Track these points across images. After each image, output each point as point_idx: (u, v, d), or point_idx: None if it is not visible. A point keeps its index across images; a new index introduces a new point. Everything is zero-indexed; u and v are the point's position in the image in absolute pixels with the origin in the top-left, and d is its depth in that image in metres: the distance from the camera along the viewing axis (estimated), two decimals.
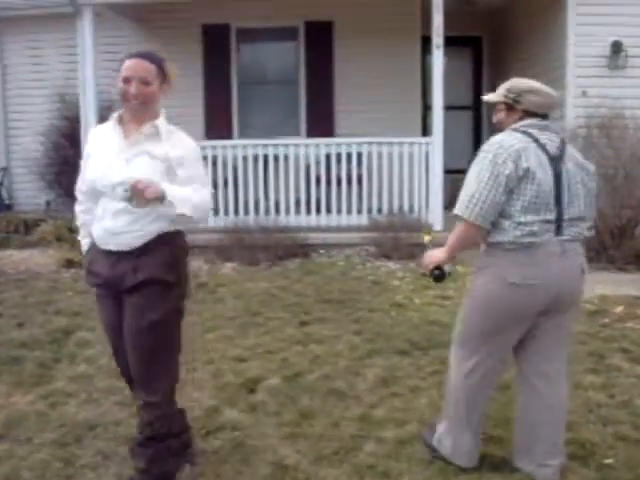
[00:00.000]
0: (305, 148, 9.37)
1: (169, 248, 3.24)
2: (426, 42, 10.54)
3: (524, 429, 3.51)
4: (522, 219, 3.17)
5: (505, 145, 3.20)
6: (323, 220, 9.38)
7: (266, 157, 9.35)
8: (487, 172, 3.17)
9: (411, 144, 9.17)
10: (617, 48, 8.88)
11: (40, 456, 3.70)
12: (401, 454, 3.69)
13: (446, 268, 3.47)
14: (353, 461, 3.64)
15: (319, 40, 11.19)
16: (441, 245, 3.48)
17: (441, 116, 8.80)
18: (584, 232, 3.31)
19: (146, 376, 3.26)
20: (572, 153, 3.33)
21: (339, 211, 9.39)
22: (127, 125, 3.25)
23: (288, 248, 8.61)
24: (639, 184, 8.16)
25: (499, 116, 3.48)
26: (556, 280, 3.21)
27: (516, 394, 3.62)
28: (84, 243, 3.46)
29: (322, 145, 9.37)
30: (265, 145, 9.39)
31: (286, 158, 9.35)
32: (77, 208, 3.49)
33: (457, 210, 3.29)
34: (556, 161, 3.22)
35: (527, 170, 3.14)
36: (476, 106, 12.07)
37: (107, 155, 3.20)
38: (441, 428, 3.64)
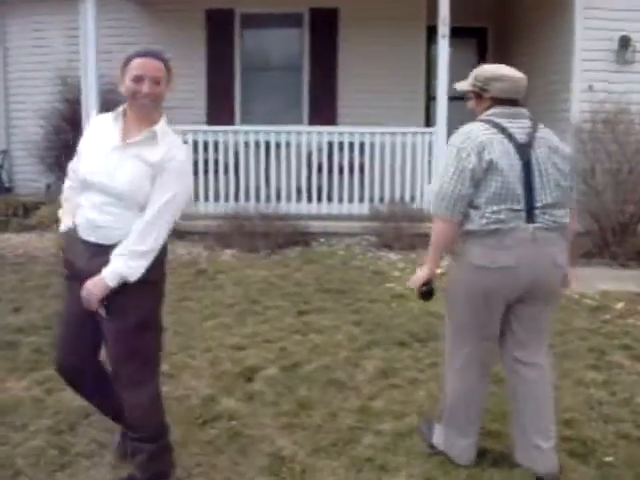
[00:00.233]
0: (307, 135, 9.31)
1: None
2: (431, 32, 10.47)
3: (514, 418, 3.52)
4: (488, 209, 3.18)
5: (470, 138, 3.22)
6: (324, 208, 9.33)
7: (268, 144, 9.28)
8: (452, 167, 3.21)
9: (414, 134, 9.12)
10: (625, 43, 8.80)
11: (35, 443, 3.65)
12: (399, 447, 3.66)
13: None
14: (351, 453, 3.61)
15: (323, 27, 11.11)
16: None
17: (445, 106, 8.74)
18: (561, 220, 3.28)
19: (130, 377, 3.20)
20: (544, 137, 3.31)
21: (340, 200, 9.34)
22: (128, 123, 3.19)
23: (288, 236, 8.56)
24: None
25: (470, 104, 3.50)
26: (529, 267, 3.20)
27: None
28: (65, 220, 3.38)
29: (325, 133, 9.30)
30: (267, 132, 9.32)
31: (288, 145, 9.30)
32: (66, 184, 3.46)
33: (431, 208, 3.37)
34: (524, 148, 3.22)
35: (490, 162, 3.15)
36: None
37: (100, 151, 3.13)
38: (439, 425, 3.62)
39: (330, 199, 9.34)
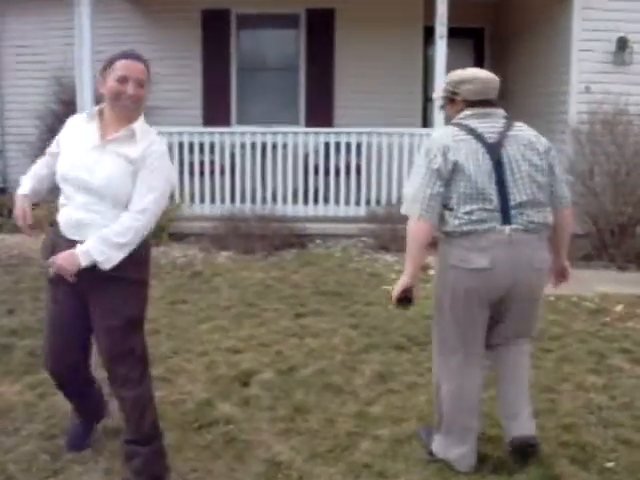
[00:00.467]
0: (304, 137, 9.26)
1: (136, 248, 3.17)
2: (428, 32, 10.44)
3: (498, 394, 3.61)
4: (460, 210, 3.23)
5: (435, 141, 3.30)
6: (321, 210, 9.29)
7: (264, 145, 9.24)
8: (422, 168, 3.29)
9: (411, 135, 9.08)
10: (622, 44, 8.75)
11: (27, 448, 3.60)
12: (398, 453, 3.61)
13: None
14: (348, 459, 3.56)
15: (320, 28, 11.07)
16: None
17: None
18: (539, 221, 3.29)
19: (126, 376, 3.25)
20: (517, 135, 3.33)
21: (337, 201, 9.29)
22: (106, 123, 3.22)
23: (285, 238, 8.51)
24: None
25: (446, 110, 3.60)
26: (506, 269, 3.23)
27: None
28: (26, 183, 3.35)
29: (321, 134, 9.26)
30: (263, 133, 9.28)
31: (284, 146, 9.26)
32: (38, 164, 3.43)
33: (402, 209, 3.40)
34: (494, 148, 3.26)
35: (455, 163, 3.21)
36: None
37: (79, 151, 3.18)
38: (437, 433, 3.57)
39: (327, 201, 9.30)
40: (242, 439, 3.74)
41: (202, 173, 9.25)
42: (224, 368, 4.70)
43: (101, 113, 3.25)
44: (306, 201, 9.29)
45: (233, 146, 9.29)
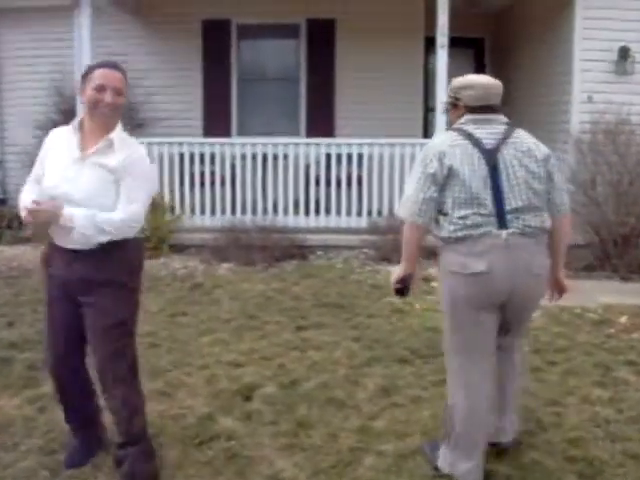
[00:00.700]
0: (305, 148, 9.22)
1: (128, 254, 3.37)
2: (429, 43, 10.42)
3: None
4: (455, 214, 3.26)
5: (432, 147, 3.36)
6: (322, 221, 9.24)
7: (265, 156, 9.19)
8: (418, 172, 3.34)
9: (413, 145, 9.03)
10: (624, 53, 8.72)
11: (26, 464, 3.55)
12: (402, 469, 3.55)
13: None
14: (352, 475, 3.51)
15: (321, 38, 11.04)
16: None
17: (444, 117, 8.65)
18: (536, 225, 3.31)
19: (117, 376, 3.36)
20: (516, 141, 3.36)
21: (338, 212, 9.24)
22: (86, 134, 3.31)
23: (285, 249, 8.46)
24: None
25: (449, 115, 3.63)
26: (504, 273, 3.23)
27: None
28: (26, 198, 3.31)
29: (322, 145, 9.22)
30: (264, 144, 9.24)
31: (285, 157, 9.21)
32: (26, 191, 3.42)
33: (397, 211, 3.52)
34: (491, 153, 3.28)
35: (450, 168, 3.25)
36: None
37: (61, 165, 3.27)
38: (443, 447, 3.52)
39: (328, 212, 9.25)
40: (244, 455, 3.69)
41: (202, 184, 9.21)
42: (225, 382, 4.65)
43: (81, 124, 3.32)
44: (307, 212, 9.24)
45: (233, 157, 9.25)
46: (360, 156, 9.12)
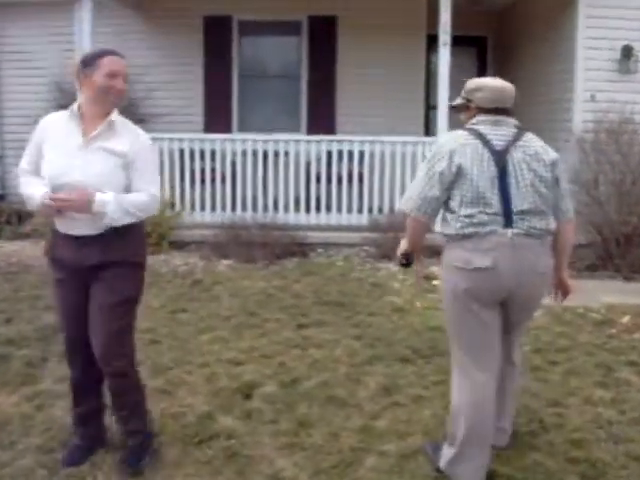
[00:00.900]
0: (306, 145, 9.18)
1: (133, 233, 3.43)
2: (430, 40, 10.38)
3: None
4: (462, 212, 3.29)
5: (443, 145, 3.39)
6: (322, 219, 9.20)
7: (266, 152, 9.16)
8: (425, 170, 3.39)
9: (414, 143, 9.00)
10: (627, 52, 8.68)
11: (24, 462, 3.52)
12: (404, 469, 3.53)
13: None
14: (353, 476, 3.48)
15: (322, 35, 10.99)
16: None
17: (446, 115, 8.62)
18: (542, 227, 3.34)
19: (123, 350, 3.45)
20: (525, 145, 3.38)
21: (339, 210, 9.21)
22: (86, 120, 3.32)
23: (286, 246, 8.43)
24: None
25: (461, 116, 3.66)
26: (508, 270, 3.26)
27: None
28: (40, 190, 3.29)
29: (323, 142, 9.17)
30: (265, 140, 9.20)
31: (286, 154, 9.17)
32: (24, 181, 3.44)
33: (400, 204, 3.62)
34: (501, 155, 3.31)
35: (459, 167, 3.27)
36: None
37: (66, 151, 3.27)
38: (446, 447, 3.49)
39: (329, 209, 9.21)
40: (244, 454, 3.66)
41: (203, 180, 9.18)
42: (225, 380, 4.62)
43: (81, 112, 3.32)
44: (308, 209, 9.21)
45: (234, 153, 9.21)
46: (361, 153, 9.09)
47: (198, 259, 8.24)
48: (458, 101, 3.62)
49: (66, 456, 3.54)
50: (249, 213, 9.07)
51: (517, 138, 3.39)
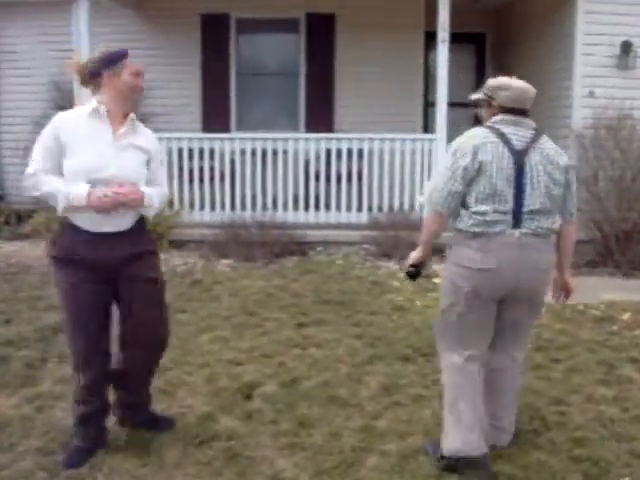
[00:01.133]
0: (305, 143, 9.15)
1: (146, 225, 3.66)
2: (429, 37, 10.35)
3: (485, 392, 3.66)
4: (476, 209, 3.40)
5: (466, 140, 3.46)
6: (322, 217, 9.17)
7: (264, 151, 9.13)
8: (449, 164, 3.46)
9: (414, 141, 8.98)
10: (627, 48, 8.66)
11: (23, 465, 3.50)
12: (405, 469, 3.51)
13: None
14: (355, 476, 3.46)
15: (320, 33, 10.97)
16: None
17: (445, 112, 8.61)
18: (548, 226, 3.47)
19: (163, 337, 3.70)
20: (542, 147, 3.47)
21: (338, 208, 9.18)
22: (112, 118, 3.40)
23: (285, 245, 8.41)
24: None
25: (480, 112, 3.73)
26: (511, 270, 3.39)
27: None
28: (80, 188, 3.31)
29: (322, 140, 9.15)
30: (264, 139, 9.17)
31: (285, 152, 9.15)
32: (44, 180, 3.37)
33: (421, 198, 3.57)
34: (520, 154, 3.40)
35: (481, 163, 3.36)
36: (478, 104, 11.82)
37: (98, 148, 3.33)
38: (443, 435, 3.57)
39: (328, 207, 9.19)
40: (244, 455, 3.64)
41: (202, 180, 9.16)
42: (225, 380, 4.60)
43: (107, 110, 3.41)
44: (307, 208, 9.18)
45: (233, 152, 9.19)
46: (360, 151, 9.06)
47: (197, 258, 8.22)
48: (479, 96, 3.67)
49: (66, 459, 3.52)
50: (248, 212, 9.04)
51: (535, 140, 3.48)
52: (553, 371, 4.87)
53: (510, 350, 3.68)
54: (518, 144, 3.43)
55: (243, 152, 9.17)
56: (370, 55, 10.68)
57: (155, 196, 3.51)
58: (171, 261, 8.05)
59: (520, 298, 3.50)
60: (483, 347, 3.59)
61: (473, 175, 3.39)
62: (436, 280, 6.81)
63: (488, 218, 3.37)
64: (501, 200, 3.37)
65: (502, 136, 3.43)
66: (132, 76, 3.40)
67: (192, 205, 9.19)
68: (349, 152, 9.07)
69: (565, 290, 3.81)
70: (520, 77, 3.65)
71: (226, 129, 10.56)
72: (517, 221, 3.39)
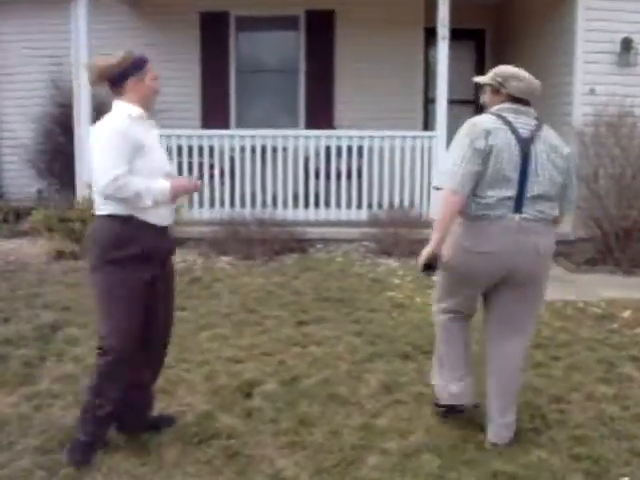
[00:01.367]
0: (305, 140, 9.13)
1: None
2: (429, 34, 10.33)
3: (487, 383, 3.84)
4: (482, 193, 3.51)
5: (478, 124, 3.55)
6: (322, 214, 9.15)
7: (264, 148, 9.10)
8: (465, 145, 3.50)
9: (414, 138, 8.96)
10: (627, 45, 8.64)
11: (21, 464, 3.47)
12: (407, 468, 3.48)
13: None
14: (355, 475, 3.44)
15: (320, 30, 10.96)
16: None
17: (445, 109, 8.60)
18: (549, 211, 3.59)
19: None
20: (546, 136, 3.60)
21: (338, 205, 9.16)
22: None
23: (285, 243, 8.39)
24: None
25: (485, 97, 3.80)
26: (510, 255, 3.52)
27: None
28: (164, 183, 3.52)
29: (322, 137, 9.12)
30: (263, 136, 9.15)
31: (284, 150, 9.13)
32: (133, 181, 3.41)
33: (438, 182, 3.72)
34: (525, 142, 3.51)
35: (493, 147, 3.46)
36: (478, 100, 11.77)
37: (158, 145, 3.64)
38: (435, 378, 4.02)
39: (328, 205, 9.17)
40: (244, 453, 3.62)
41: (201, 177, 9.11)
42: (225, 378, 4.57)
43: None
44: (307, 205, 9.16)
45: (232, 149, 9.16)
46: (360, 148, 9.04)
47: (197, 256, 8.20)
48: (487, 80, 3.73)
49: (75, 456, 3.50)
50: (248, 209, 9.01)
51: (538, 128, 3.60)
52: (553, 369, 4.85)
53: (511, 337, 3.72)
54: (524, 132, 3.53)
55: (243, 149, 9.14)
56: (370, 52, 10.66)
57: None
58: None
59: (518, 281, 3.60)
60: (472, 307, 3.91)
61: (485, 158, 3.47)
62: (435, 278, 6.77)
63: (491, 201, 3.49)
64: (507, 186, 3.48)
65: (509, 124, 3.53)
66: (154, 81, 3.57)
67: (191, 202, 9.17)
68: (349, 149, 9.04)
69: None
70: None
71: (226, 126, 10.55)
72: (518, 206, 3.51)
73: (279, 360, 4.93)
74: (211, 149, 9.12)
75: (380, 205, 9.10)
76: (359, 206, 9.11)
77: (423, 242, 3.75)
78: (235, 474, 3.43)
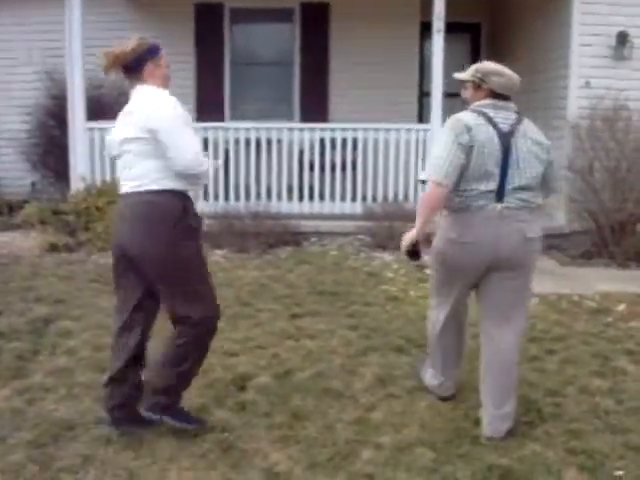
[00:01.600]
0: (299, 132, 9.10)
1: None
2: (424, 27, 10.31)
3: (481, 376, 3.89)
4: (464, 187, 3.61)
5: (461, 120, 3.62)
6: (316, 207, 9.12)
7: (258, 141, 9.07)
8: (449, 140, 3.57)
9: (408, 131, 8.94)
10: (623, 39, 8.62)
11: (14, 458, 3.46)
12: (400, 462, 3.48)
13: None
14: (349, 469, 3.43)
15: (315, 22, 10.93)
16: None
17: (440, 102, 8.58)
18: (532, 199, 3.69)
19: None
20: (526, 130, 3.68)
21: (332, 198, 9.14)
22: None
23: (279, 236, 8.37)
24: None
25: (466, 93, 3.87)
26: (493, 243, 3.61)
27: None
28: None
29: (317, 130, 9.09)
30: (258, 128, 9.11)
31: (279, 142, 9.09)
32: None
33: (423, 175, 3.88)
34: (506, 137, 3.59)
35: (475, 143, 3.55)
36: None
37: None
38: (427, 365, 4.26)
39: (322, 198, 9.14)
40: (239, 447, 3.61)
41: None
42: (219, 372, 4.55)
43: None
44: (301, 198, 9.14)
45: (227, 142, 9.12)
46: (355, 141, 9.01)
47: None
48: (467, 77, 3.80)
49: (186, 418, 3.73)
50: (242, 202, 8.98)
51: (518, 122, 3.68)
52: (548, 362, 4.85)
53: (502, 326, 3.77)
54: (504, 127, 3.62)
55: (237, 142, 9.11)
56: (365, 45, 10.64)
57: None
58: None
59: (505, 268, 3.67)
60: (464, 300, 4.01)
61: (468, 151, 3.55)
62: (429, 271, 6.77)
63: (473, 193, 3.60)
64: (489, 180, 3.58)
65: (490, 120, 3.62)
66: (167, 67, 3.68)
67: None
68: (343, 142, 9.01)
69: None
70: (515, 67, 3.85)
71: (220, 119, 10.52)
72: (500, 197, 3.60)
73: (273, 353, 4.92)
74: (205, 141, 9.07)
75: (374, 198, 9.08)
76: (353, 199, 9.09)
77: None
78: (229, 468, 3.42)
